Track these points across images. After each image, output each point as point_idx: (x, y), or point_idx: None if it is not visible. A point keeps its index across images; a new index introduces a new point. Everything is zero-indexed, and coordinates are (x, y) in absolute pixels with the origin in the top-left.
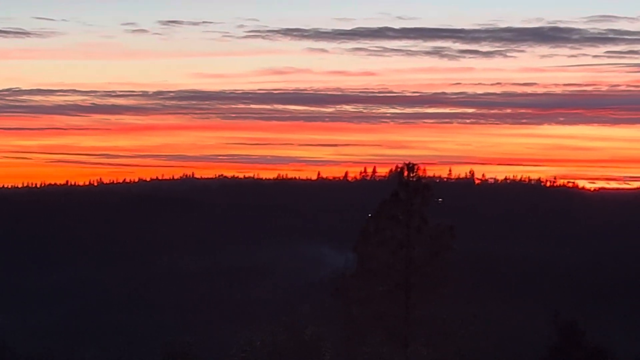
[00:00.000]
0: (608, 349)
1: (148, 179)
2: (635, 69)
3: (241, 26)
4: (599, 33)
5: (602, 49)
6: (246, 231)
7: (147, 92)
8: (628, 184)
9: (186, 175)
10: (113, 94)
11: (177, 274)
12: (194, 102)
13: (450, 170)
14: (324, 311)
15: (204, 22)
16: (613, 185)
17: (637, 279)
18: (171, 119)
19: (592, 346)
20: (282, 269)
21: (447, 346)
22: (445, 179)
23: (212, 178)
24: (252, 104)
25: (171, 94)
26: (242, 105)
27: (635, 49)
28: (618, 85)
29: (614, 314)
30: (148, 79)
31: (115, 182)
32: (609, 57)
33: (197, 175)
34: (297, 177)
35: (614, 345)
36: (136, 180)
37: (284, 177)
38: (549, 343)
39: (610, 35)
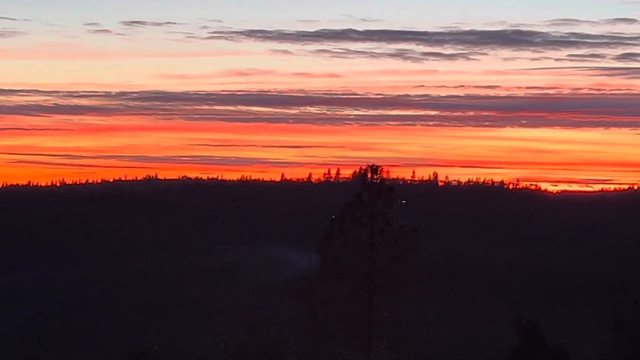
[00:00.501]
0: (570, 351)
1: (111, 180)
2: (597, 72)
3: (205, 27)
4: (561, 36)
5: (564, 53)
6: (210, 232)
7: (110, 92)
8: (590, 186)
9: (149, 176)
10: (76, 94)
11: (141, 275)
12: (157, 103)
13: (413, 173)
14: (287, 313)
15: (167, 22)
16: (575, 188)
17: (598, 282)
18: (134, 120)
19: (554, 348)
20: (246, 271)
21: (410, 348)
22: (408, 181)
23: (175, 179)
24: (216, 105)
25: (134, 94)
26: (206, 107)
27: (597, 52)
28: (580, 89)
29: (576, 316)
30: (111, 80)
31: (77, 182)
32: (571, 60)
33: (160, 177)
34: (261, 179)
35: (576, 347)
36: (99, 181)
37: (248, 178)
38: (511, 345)
39: (572, 39)
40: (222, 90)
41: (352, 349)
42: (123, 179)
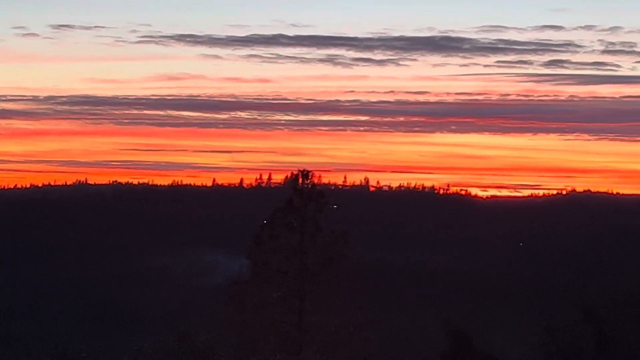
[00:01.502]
0: (498, 355)
1: (40, 185)
2: (525, 78)
3: (134, 31)
4: (489, 43)
5: (492, 59)
6: (140, 237)
7: (38, 96)
8: (519, 192)
9: (79, 181)
10: (3, 98)
11: (70, 280)
12: (86, 107)
13: (345, 178)
14: (218, 318)
15: (96, 26)
16: (504, 193)
17: (528, 286)
18: (63, 124)
19: (483, 352)
20: (177, 276)
21: (340, 353)
22: (340, 186)
23: (105, 184)
24: (146, 109)
25: (63, 99)
26: (136, 111)
27: (525, 59)
28: (508, 95)
29: (505, 320)
30: (39, 84)
31: (6, 187)
32: (499, 66)
33: (90, 181)
34: (192, 184)
35: (505, 351)
36: (28, 186)
37: (179, 183)
38: (440, 349)
39: (500, 46)
40: (152, 95)
41: (282, 353)
42: (52, 183)
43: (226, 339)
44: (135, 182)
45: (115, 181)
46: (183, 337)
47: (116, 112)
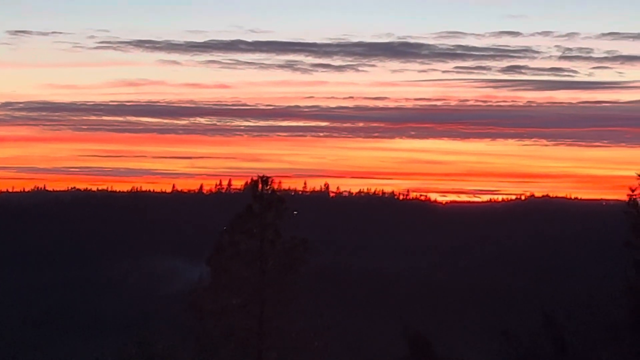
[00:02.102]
0: None
1: None
2: (483, 84)
3: (92, 37)
4: (447, 49)
5: (451, 65)
6: (99, 244)
7: None
8: (478, 197)
9: (37, 188)
10: None
11: (28, 287)
12: (44, 113)
13: (305, 183)
14: (178, 325)
15: (53, 32)
16: (464, 198)
17: (486, 291)
18: (21, 131)
19: (442, 357)
20: (136, 282)
21: (301, 359)
22: (300, 192)
23: (64, 190)
24: (104, 115)
25: (20, 104)
26: (94, 117)
27: (483, 64)
28: (467, 100)
29: (464, 325)
30: None
31: None
32: (457, 72)
33: (49, 188)
34: (152, 190)
35: (464, 356)
36: None
37: (138, 189)
38: (399, 355)
39: (458, 51)
40: (111, 101)
41: None
42: (10, 190)
43: (186, 346)
44: (94, 188)
45: (74, 187)
46: (142, 344)
47: (74, 118)
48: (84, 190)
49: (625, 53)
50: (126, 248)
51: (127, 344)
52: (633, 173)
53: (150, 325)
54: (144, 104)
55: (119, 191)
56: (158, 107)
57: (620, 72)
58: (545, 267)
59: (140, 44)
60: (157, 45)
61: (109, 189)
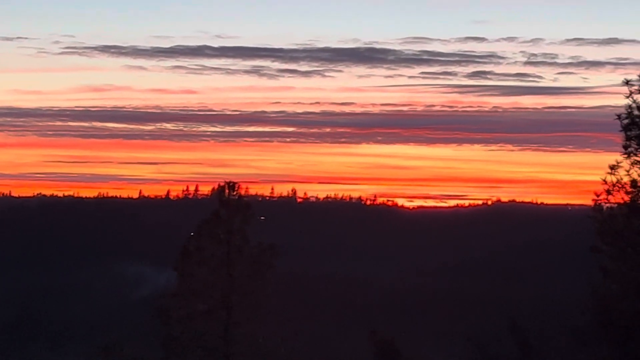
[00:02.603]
0: None
1: None
2: (449, 89)
3: (57, 42)
4: (413, 54)
5: (417, 70)
6: (65, 250)
7: None
8: (445, 202)
9: (3, 194)
10: None
11: None
12: (9, 119)
13: (272, 189)
14: (144, 331)
15: (18, 37)
16: (431, 203)
17: (453, 296)
18: None
19: None
20: (102, 289)
21: None
22: (267, 198)
23: (30, 196)
24: (70, 121)
25: None
26: (60, 123)
27: (449, 70)
28: (433, 106)
29: (431, 331)
30: None
31: None
32: (423, 77)
33: (14, 194)
34: (119, 196)
35: None
36: None
37: (105, 195)
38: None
39: (424, 57)
40: (76, 106)
41: None
42: None
43: (152, 352)
44: (60, 194)
45: (40, 193)
46: (108, 351)
47: (40, 123)
48: (50, 196)
49: (589, 59)
50: (93, 254)
51: (93, 352)
52: (598, 178)
53: (116, 332)
54: (110, 109)
55: (86, 197)
56: (124, 113)
57: (584, 78)
58: (512, 272)
59: (105, 49)
60: (123, 51)
61: (75, 195)
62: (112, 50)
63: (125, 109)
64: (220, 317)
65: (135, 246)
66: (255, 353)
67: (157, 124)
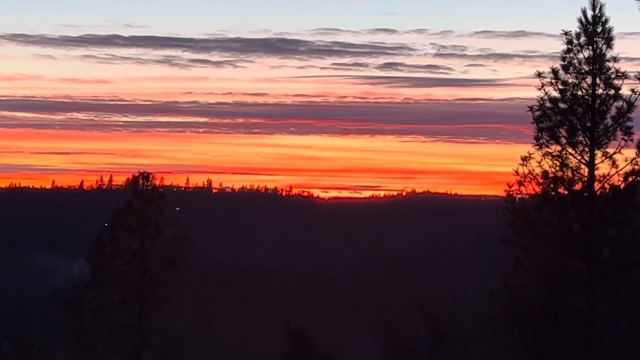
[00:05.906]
0: (338, 356)
1: None
2: (361, 80)
3: None
4: (325, 45)
5: (328, 61)
6: None
7: None
8: (359, 193)
9: None
10: None
11: None
12: None
13: (187, 179)
14: (56, 322)
15: None
16: (345, 194)
17: (367, 287)
18: None
19: (322, 353)
20: (13, 280)
21: (181, 356)
22: (182, 188)
23: None
24: None
25: None
26: None
27: (360, 61)
28: (345, 97)
29: (345, 321)
30: None
31: None
32: (335, 69)
33: None
34: (31, 186)
35: (345, 351)
36: None
37: (17, 185)
38: (280, 351)
39: (335, 48)
40: None
41: (121, 357)
42: None
43: (65, 344)
44: None
45: None
46: (17, 342)
47: None
48: None
49: (498, 51)
50: (3, 244)
51: (3, 343)
52: (510, 169)
53: (27, 323)
54: (19, 98)
55: None
56: (34, 102)
57: (493, 70)
58: (426, 263)
59: (14, 37)
60: (32, 40)
61: None
62: (20, 39)
63: (35, 99)
64: (133, 309)
65: (49, 237)
66: (169, 344)
67: (68, 114)
